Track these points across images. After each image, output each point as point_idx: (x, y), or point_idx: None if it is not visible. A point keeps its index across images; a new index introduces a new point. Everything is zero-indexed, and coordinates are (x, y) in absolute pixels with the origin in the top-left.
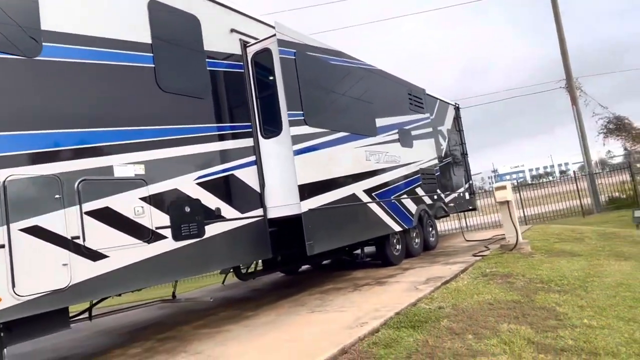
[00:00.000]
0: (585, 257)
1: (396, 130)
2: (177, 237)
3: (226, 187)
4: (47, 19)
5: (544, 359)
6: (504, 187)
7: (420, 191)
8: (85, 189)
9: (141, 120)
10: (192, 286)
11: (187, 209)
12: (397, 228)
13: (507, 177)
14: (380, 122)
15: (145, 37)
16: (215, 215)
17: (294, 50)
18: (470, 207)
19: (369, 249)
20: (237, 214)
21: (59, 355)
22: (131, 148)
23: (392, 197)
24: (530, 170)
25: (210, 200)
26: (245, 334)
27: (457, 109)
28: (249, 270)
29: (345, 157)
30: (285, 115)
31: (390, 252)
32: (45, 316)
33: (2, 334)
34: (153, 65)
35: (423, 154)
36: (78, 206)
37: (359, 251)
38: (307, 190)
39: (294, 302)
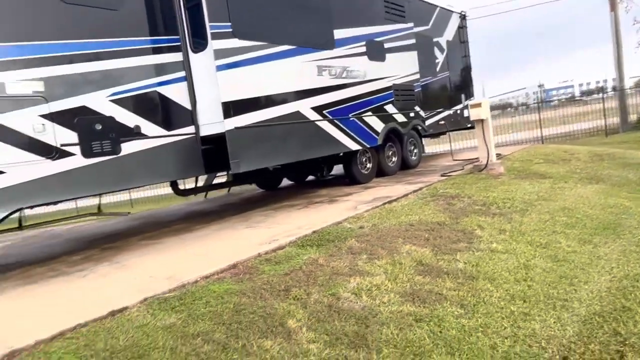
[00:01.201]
0: (554, 179)
1: (363, 43)
2: (87, 153)
3: (147, 104)
4: None
5: (420, 281)
6: (478, 105)
7: (390, 108)
8: None
9: (38, 33)
10: (177, 201)
11: (99, 126)
12: (355, 147)
13: (554, 92)
14: (340, 33)
15: None
16: (134, 133)
17: None
18: (469, 125)
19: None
20: (162, 132)
21: (4, 256)
22: (27, 64)
23: (350, 115)
24: (581, 85)
25: (127, 118)
26: (172, 246)
27: (462, 17)
28: (195, 187)
29: (287, 73)
30: (208, 28)
31: (357, 170)
32: None
33: None
34: None
35: (399, 69)
36: None
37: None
38: (234, 108)
39: (240, 218)
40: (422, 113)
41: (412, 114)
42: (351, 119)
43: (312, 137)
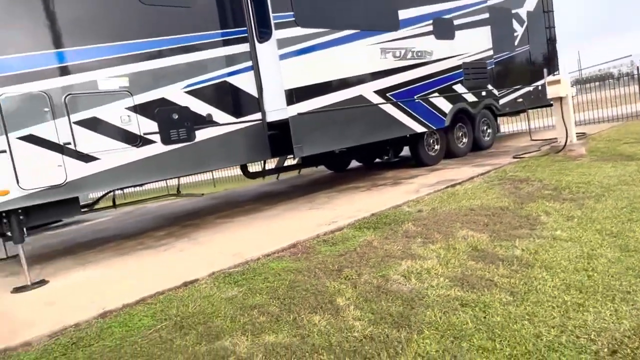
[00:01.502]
0: None
1: (429, 21)
2: (166, 141)
3: (218, 94)
4: None
5: (472, 266)
6: (557, 82)
7: (459, 88)
8: (72, 102)
9: (122, 34)
10: (252, 182)
11: (176, 116)
12: (420, 129)
13: None
14: (405, 13)
15: None
16: (206, 121)
17: None
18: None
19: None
20: (232, 119)
21: (104, 230)
22: (114, 63)
23: (415, 97)
24: None
25: (201, 107)
26: (242, 225)
27: None
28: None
29: (350, 57)
30: (271, 18)
31: (424, 152)
32: (55, 204)
33: (21, 217)
34: None
35: (469, 46)
36: (67, 117)
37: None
38: (296, 95)
39: (306, 199)
40: (495, 91)
41: (483, 93)
42: (416, 100)
43: (374, 120)
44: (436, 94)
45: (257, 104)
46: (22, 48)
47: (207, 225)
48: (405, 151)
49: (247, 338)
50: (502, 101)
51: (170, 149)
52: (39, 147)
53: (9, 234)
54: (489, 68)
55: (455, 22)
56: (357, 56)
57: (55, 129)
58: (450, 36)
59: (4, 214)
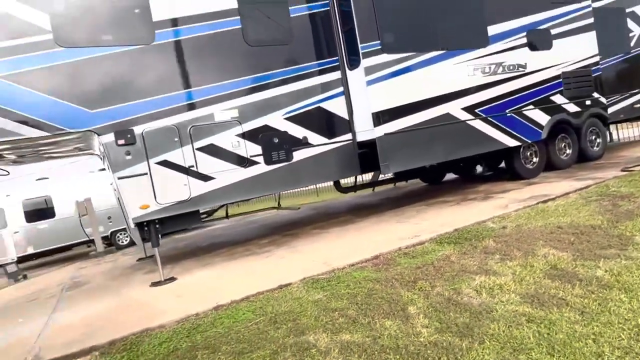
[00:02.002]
0: None
1: (523, 34)
2: (268, 162)
3: (313, 118)
4: (155, 12)
5: (546, 285)
6: None
7: (558, 99)
8: (195, 132)
9: (232, 73)
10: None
11: (276, 140)
12: (513, 143)
13: None
14: (495, 29)
15: (232, 2)
16: (302, 143)
17: None
18: None
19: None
20: (324, 140)
21: (219, 236)
22: (226, 98)
23: (506, 111)
24: None
25: (298, 131)
26: (335, 235)
27: None
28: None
29: (436, 77)
30: (359, 48)
31: (519, 165)
32: (182, 216)
33: (157, 226)
34: (240, 27)
35: (570, 54)
36: (191, 145)
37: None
38: (383, 117)
39: (395, 212)
40: (602, 99)
41: (588, 102)
42: (508, 115)
43: (462, 136)
44: (531, 107)
45: (347, 125)
46: (158, 92)
47: (305, 234)
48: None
49: (327, 335)
50: (613, 108)
51: (272, 169)
52: (170, 170)
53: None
54: (594, 75)
55: (553, 32)
56: (444, 75)
57: (182, 155)
58: (547, 46)
59: (145, 223)
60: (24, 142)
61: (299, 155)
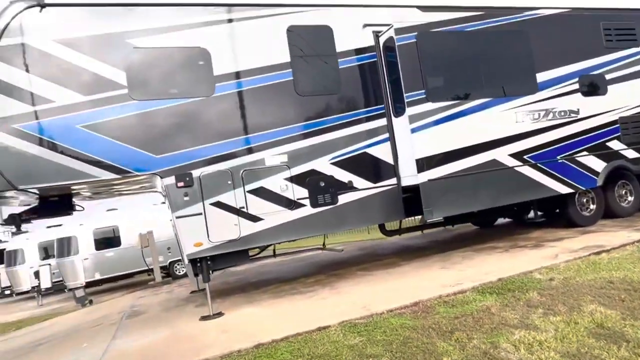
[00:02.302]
0: None
1: (574, 80)
2: (314, 204)
3: (358, 163)
4: (216, 67)
5: (590, 344)
6: None
7: (615, 145)
8: (246, 176)
9: (283, 121)
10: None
11: (322, 184)
12: (565, 190)
13: None
14: (544, 75)
15: (285, 57)
16: (347, 187)
17: (415, 33)
18: None
19: None
20: (369, 184)
21: (267, 273)
22: (276, 144)
23: (557, 157)
24: None
25: (343, 175)
26: (378, 278)
27: None
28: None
29: (482, 124)
30: (404, 97)
31: (574, 212)
32: (232, 254)
33: (209, 262)
34: (292, 78)
35: (627, 99)
36: (242, 187)
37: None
38: (427, 163)
39: (440, 257)
40: None
41: None
42: (559, 161)
43: (509, 183)
44: (584, 153)
45: (392, 170)
46: (215, 139)
47: (349, 275)
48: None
49: None
50: None
51: (318, 211)
52: (223, 210)
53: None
54: None
55: (608, 77)
56: (490, 122)
57: (234, 197)
58: (602, 92)
59: (197, 260)
60: (98, 183)
61: (344, 198)
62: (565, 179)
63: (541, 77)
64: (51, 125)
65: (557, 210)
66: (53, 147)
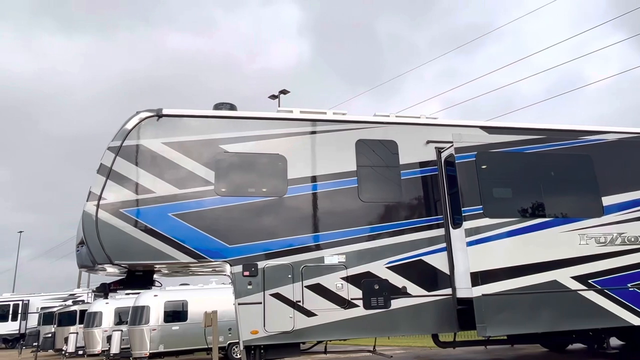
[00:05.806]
0: None
1: None
2: (367, 306)
3: (413, 270)
4: (291, 171)
5: None
6: None
7: None
8: (305, 271)
9: (345, 224)
10: None
11: (376, 286)
12: (637, 322)
13: None
14: (612, 199)
15: (352, 166)
16: (401, 292)
17: (475, 152)
18: None
19: None
20: (424, 292)
21: None
22: (337, 244)
23: (628, 284)
24: None
25: (398, 280)
26: None
27: None
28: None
29: (541, 243)
30: (462, 211)
31: None
32: (284, 346)
33: (262, 351)
34: (356, 185)
35: None
36: (301, 282)
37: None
38: (481, 277)
39: None
40: None
41: None
42: (630, 289)
43: (572, 307)
44: None
45: (448, 280)
46: (281, 235)
47: None
48: None
49: None
50: None
51: (370, 313)
52: (280, 302)
53: None
54: None
55: None
56: (550, 242)
57: (292, 290)
58: None
59: (252, 347)
60: (178, 264)
61: (397, 303)
62: (638, 309)
63: (608, 200)
64: (149, 212)
65: (636, 344)
66: (147, 230)
